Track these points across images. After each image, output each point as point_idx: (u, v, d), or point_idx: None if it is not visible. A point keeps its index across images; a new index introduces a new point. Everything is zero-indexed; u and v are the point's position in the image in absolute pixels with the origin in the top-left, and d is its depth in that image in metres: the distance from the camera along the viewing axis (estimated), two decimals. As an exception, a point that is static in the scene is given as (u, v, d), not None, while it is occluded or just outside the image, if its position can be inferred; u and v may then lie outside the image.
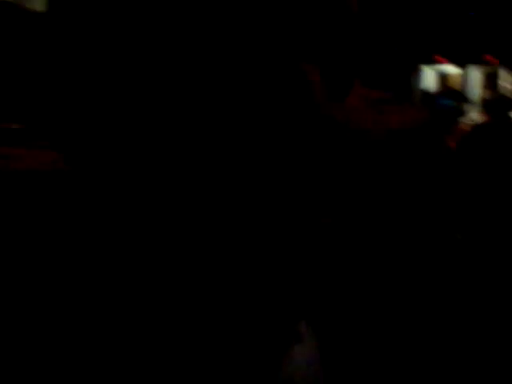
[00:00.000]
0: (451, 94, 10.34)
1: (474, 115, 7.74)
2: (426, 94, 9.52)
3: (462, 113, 7.74)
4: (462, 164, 5.40)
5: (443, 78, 15.22)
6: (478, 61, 13.71)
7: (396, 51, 13.00)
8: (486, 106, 6.70)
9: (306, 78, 0.93)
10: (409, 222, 4.81)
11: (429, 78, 15.13)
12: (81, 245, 0.85)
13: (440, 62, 14.87)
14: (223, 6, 0.85)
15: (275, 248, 0.84)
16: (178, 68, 0.81)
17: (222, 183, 0.81)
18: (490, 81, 14.12)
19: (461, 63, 14.43)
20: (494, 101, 7.09)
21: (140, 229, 0.81)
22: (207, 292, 0.81)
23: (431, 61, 14.80)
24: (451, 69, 14.97)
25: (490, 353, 2.81)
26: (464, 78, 14.48)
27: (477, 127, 5.81)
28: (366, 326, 2.97)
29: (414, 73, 14.66)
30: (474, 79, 14.35)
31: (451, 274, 3.90)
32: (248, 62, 0.84)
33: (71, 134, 0.86)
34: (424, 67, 15.10)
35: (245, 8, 0.85)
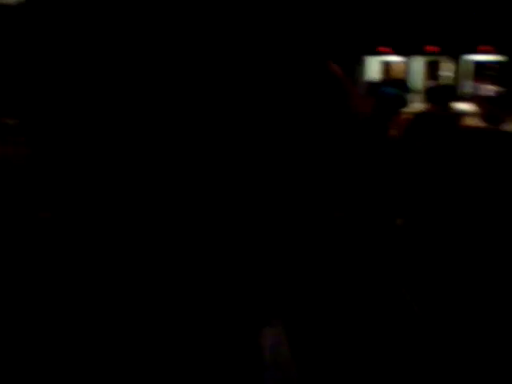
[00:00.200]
0: (394, 83, 10.52)
1: (417, 104, 7.87)
2: (369, 84, 9.65)
3: (405, 102, 7.85)
4: (404, 152, 5.45)
5: (386, 67, 15.49)
6: (420, 51, 14.00)
7: (339, 42, 13.10)
8: (429, 94, 6.81)
9: (336, 76, 0.95)
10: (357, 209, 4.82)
11: (372, 67, 15.36)
12: (78, 244, 0.84)
13: (383, 53, 15.12)
14: (246, 8, 0.84)
15: (277, 243, 0.87)
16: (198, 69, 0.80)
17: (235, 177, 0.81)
18: (432, 70, 14.45)
19: (404, 53, 14.71)
20: (436, 90, 7.22)
21: (137, 229, 0.81)
22: (203, 288, 0.82)
23: (375, 51, 15.03)
24: (394, 59, 15.24)
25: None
26: (407, 68, 14.77)
27: (419, 116, 5.88)
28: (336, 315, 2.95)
29: (358, 63, 14.85)
30: (417, 69, 14.65)
31: (392, 259, 3.93)
32: (282, 63, 0.85)
33: (67, 133, 0.84)
34: (368, 57, 15.33)
35: (267, 12, 0.86)
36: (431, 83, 11.47)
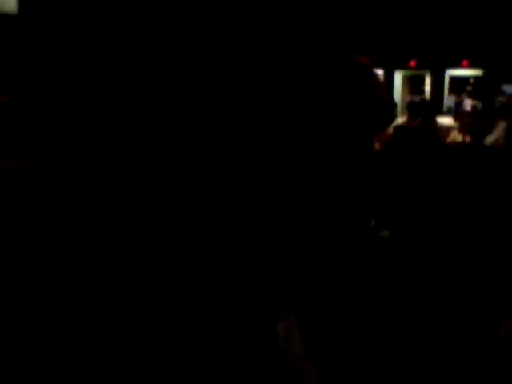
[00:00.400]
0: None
1: (399, 118, 8.02)
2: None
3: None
4: (387, 164, 5.57)
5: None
6: (402, 65, 14.17)
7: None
8: (410, 108, 6.95)
9: (362, 65, 0.96)
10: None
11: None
12: (78, 244, 0.82)
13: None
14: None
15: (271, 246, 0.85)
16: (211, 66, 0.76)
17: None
18: (414, 85, 14.64)
19: (386, 68, 14.89)
20: (418, 104, 7.37)
21: (137, 229, 0.79)
22: (205, 287, 0.80)
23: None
24: (376, 73, 15.40)
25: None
26: (388, 82, 14.94)
27: (398, 129, 6.01)
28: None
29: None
30: (398, 83, 14.83)
31: (378, 271, 4.01)
32: (307, 56, 0.83)
33: (67, 135, 0.82)
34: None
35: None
36: (412, 98, 11.65)
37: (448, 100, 13.66)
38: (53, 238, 0.95)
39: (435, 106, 10.25)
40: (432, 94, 13.83)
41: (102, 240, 0.89)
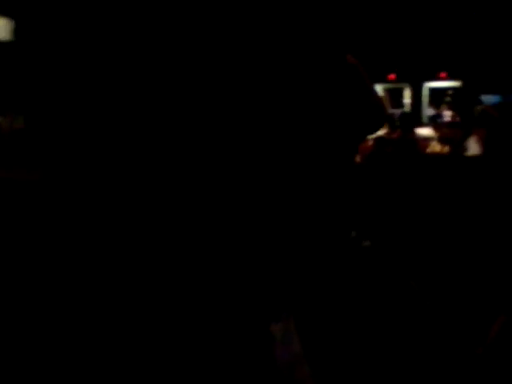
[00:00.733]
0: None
1: (380, 130, 8.13)
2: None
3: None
4: (368, 176, 5.65)
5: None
6: (381, 79, 14.36)
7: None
8: (390, 121, 7.07)
9: (358, 70, 0.98)
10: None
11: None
12: (79, 246, 0.84)
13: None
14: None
15: (272, 250, 0.87)
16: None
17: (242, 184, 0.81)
18: (394, 97, 14.83)
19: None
20: (399, 116, 7.50)
21: (138, 230, 0.81)
22: (205, 288, 0.82)
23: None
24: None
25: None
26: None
27: (379, 141, 6.10)
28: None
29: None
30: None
31: (359, 280, 4.07)
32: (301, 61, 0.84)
33: (66, 136, 0.83)
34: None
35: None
36: (393, 111, 11.81)
37: (427, 111, 13.86)
38: (52, 238, 0.98)
39: (415, 117, 10.39)
40: (412, 106, 14.02)
41: (101, 240, 0.93)
